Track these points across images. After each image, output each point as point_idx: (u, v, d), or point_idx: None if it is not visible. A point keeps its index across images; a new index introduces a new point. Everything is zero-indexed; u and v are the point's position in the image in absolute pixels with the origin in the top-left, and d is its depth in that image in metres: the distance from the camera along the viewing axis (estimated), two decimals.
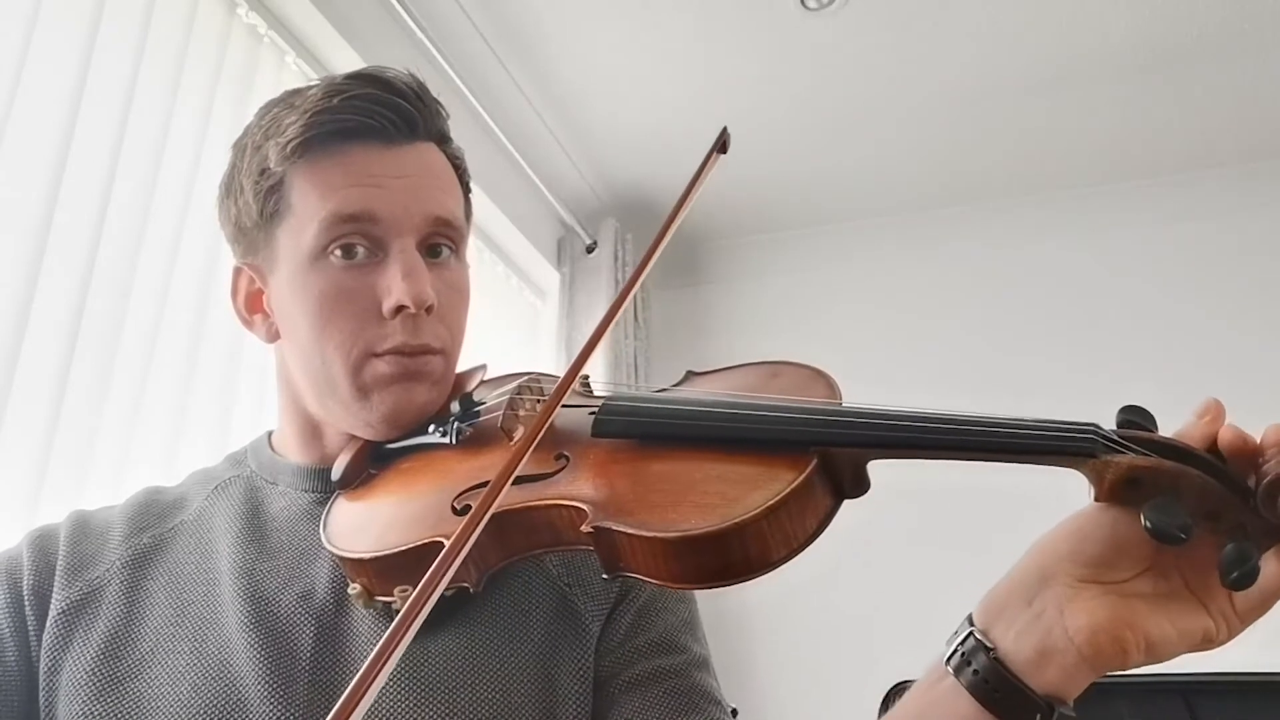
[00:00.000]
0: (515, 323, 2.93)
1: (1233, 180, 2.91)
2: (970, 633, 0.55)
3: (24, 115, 1.35)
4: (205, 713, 0.66)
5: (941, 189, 3.11)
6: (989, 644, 0.54)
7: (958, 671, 0.55)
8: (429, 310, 0.73)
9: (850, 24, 2.38)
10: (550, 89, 2.63)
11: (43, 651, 0.71)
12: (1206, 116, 2.72)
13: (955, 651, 0.56)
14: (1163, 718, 1.29)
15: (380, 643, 0.45)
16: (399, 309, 0.72)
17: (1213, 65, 2.52)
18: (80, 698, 0.68)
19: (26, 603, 0.72)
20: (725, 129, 0.75)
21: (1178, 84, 2.59)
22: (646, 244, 2.85)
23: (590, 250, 3.07)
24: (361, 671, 0.44)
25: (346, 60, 2.08)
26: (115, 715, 0.67)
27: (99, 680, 0.69)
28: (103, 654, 0.70)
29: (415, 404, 0.75)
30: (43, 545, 0.76)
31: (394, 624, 0.46)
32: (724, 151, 0.75)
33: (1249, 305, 2.77)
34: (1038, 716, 0.52)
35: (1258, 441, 0.50)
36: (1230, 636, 0.52)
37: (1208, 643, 0.52)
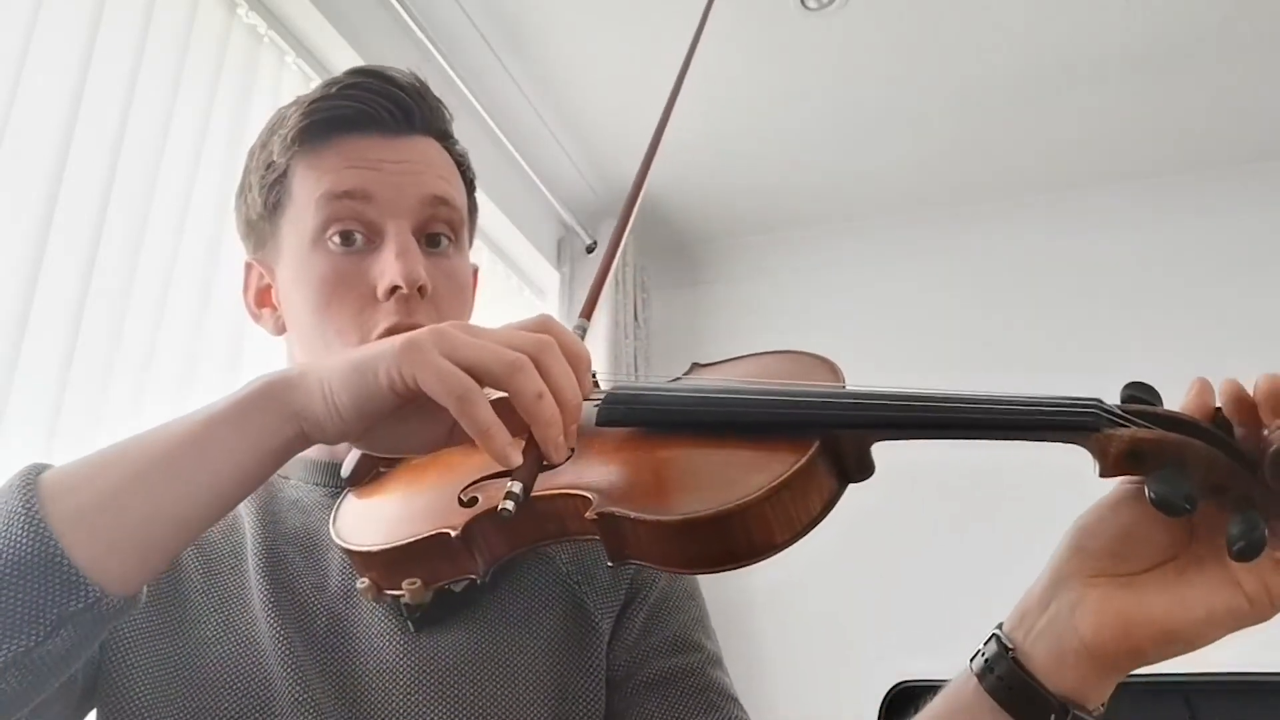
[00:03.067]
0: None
1: (1237, 179, 2.91)
2: (994, 635, 0.57)
3: (24, 115, 1.35)
4: (236, 681, 0.68)
5: (942, 188, 3.11)
6: (1009, 644, 0.55)
7: (981, 675, 0.56)
8: (422, 292, 0.74)
9: (850, 24, 2.39)
10: (550, 89, 2.63)
11: None
12: (1207, 116, 2.72)
13: (979, 654, 0.57)
14: (1163, 718, 1.29)
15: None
16: (393, 289, 0.73)
17: (1214, 65, 2.52)
18: (142, 639, 0.69)
19: None
20: None
21: (1178, 84, 2.59)
22: (647, 244, 2.86)
23: (590, 250, 3.08)
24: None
25: (346, 60, 2.08)
26: (161, 660, 0.68)
27: (153, 626, 0.70)
28: (151, 599, 0.70)
29: None
30: None
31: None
32: None
33: (1251, 305, 2.77)
34: (1051, 717, 0.53)
35: (1251, 393, 0.49)
36: (1274, 607, 0.50)
37: (1240, 620, 0.50)
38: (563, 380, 0.52)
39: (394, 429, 0.55)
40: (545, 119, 2.74)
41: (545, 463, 0.53)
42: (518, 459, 0.51)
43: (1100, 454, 0.51)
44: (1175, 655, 0.51)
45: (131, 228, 1.53)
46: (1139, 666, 0.52)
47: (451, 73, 2.30)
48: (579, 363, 0.55)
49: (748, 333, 3.30)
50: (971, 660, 0.57)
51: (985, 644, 0.57)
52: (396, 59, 2.17)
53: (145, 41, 1.59)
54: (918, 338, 3.05)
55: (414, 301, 0.73)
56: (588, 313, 0.68)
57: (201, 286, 1.65)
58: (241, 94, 1.82)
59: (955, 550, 2.76)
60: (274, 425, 0.54)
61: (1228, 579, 0.50)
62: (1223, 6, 2.32)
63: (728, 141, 2.81)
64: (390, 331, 0.73)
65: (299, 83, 2.02)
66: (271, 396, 0.54)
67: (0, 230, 1.32)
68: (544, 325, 0.55)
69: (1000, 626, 0.57)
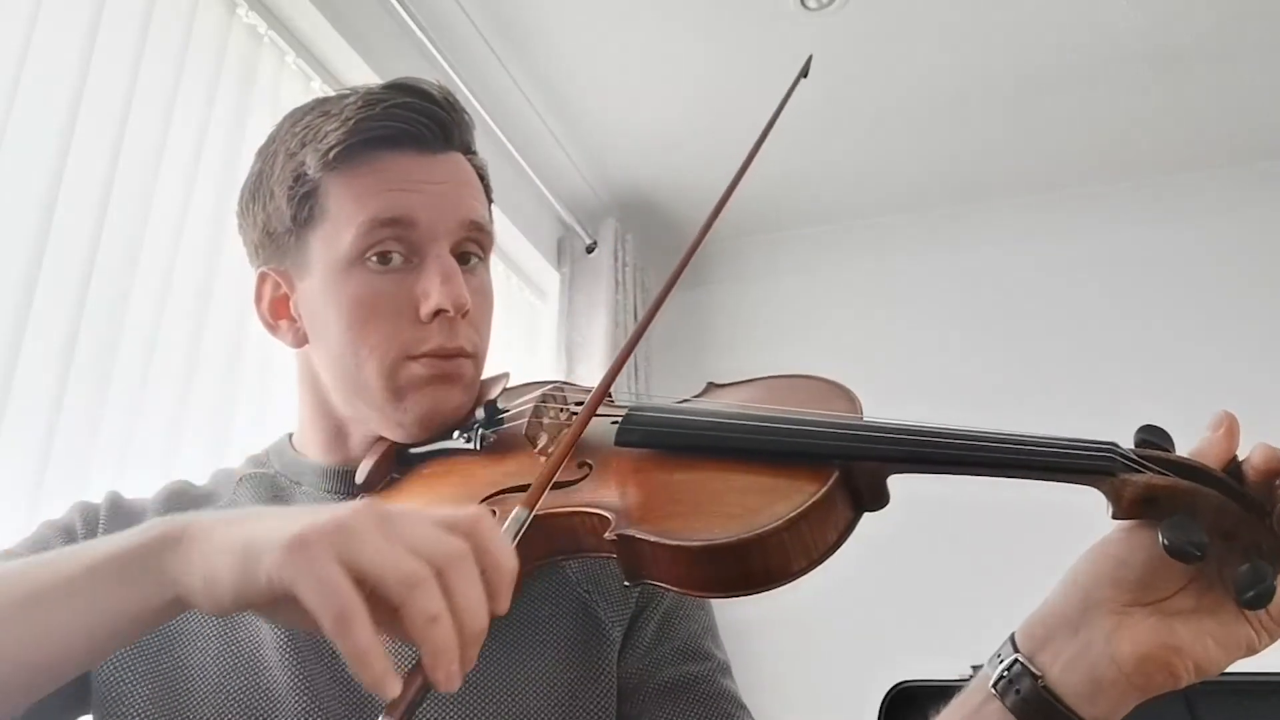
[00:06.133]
0: (515, 323, 2.93)
1: (1239, 180, 2.91)
2: (1016, 659, 0.56)
3: (24, 115, 1.35)
4: (234, 698, 0.68)
5: (943, 189, 3.11)
6: (1036, 671, 0.55)
7: (1003, 694, 0.56)
8: (464, 315, 0.75)
9: (850, 24, 2.38)
10: (550, 89, 2.63)
11: None
12: (1208, 116, 2.72)
13: (1002, 677, 0.56)
14: (1162, 718, 1.29)
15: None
16: (438, 312, 0.73)
17: (1217, 65, 2.52)
18: (137, 656, 0.69)
19: None
20: (810, 56, 0.78)
21: (1179, 84, 2.59)
22: (647, 244, 2.85)
23: (590, 250, 3.07)
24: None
25: (346, 60, 2.08)
26: (156, 675, 0.69)
27: (147, 642, 0.70)
28: None
29: (449, 406, 0.76)
30: (88, 513, 0.78)
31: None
32: (806, 76, 0.78)
33: (1254, 306, 2.77)
34: None
35: None
36: (1271, 642, 0.53)
37: (1250, 651, 0.53)
38: (468, 602, 0.46)
39: (274, 612, 0.49)
40: (545, 119, 2.74)
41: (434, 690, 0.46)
42: (394, 690, 0.44)
43: (1115, 498, 0.52)
44: (1198, 680, 0.53)
45: (131, 228, 1.52)
46: (1174, 689, 0.53)
47: (451, 72, 2.30)
48: (499, 577, 0.48)
49: (750, 333, 3.30)
50: (995, 684, 0.56)
51: (1007, 666, 0.56)
52: (397, 59, 2.18)
53: (145, 41, 1.59)
54: (919, 337, 3.05)
55: (456, 323, 0.75)
56: (532, 501, 0.56)
57: (201, 286, 1.65)
58: (241, 94, 1.82)
59: (954, 555, 2.76)
60: (150, 590, 0.50)
61: (1238, 612, 0.52)
62: (1223, 6, 2.32)
63: (728, 141, 2.81)
64: (435, 353, 0.74)
65: (299, 83, 2.02)
66: (154, 557, 0.50)
67: (0, 230, 1.32)
68: (471, 527, 0.48)
69: (1014, 640, 0.57)
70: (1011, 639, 0.57)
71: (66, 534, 0.76)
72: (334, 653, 0.70)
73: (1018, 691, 0.55)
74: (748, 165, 0.75)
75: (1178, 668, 0.52)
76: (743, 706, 0.77)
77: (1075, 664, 0.54)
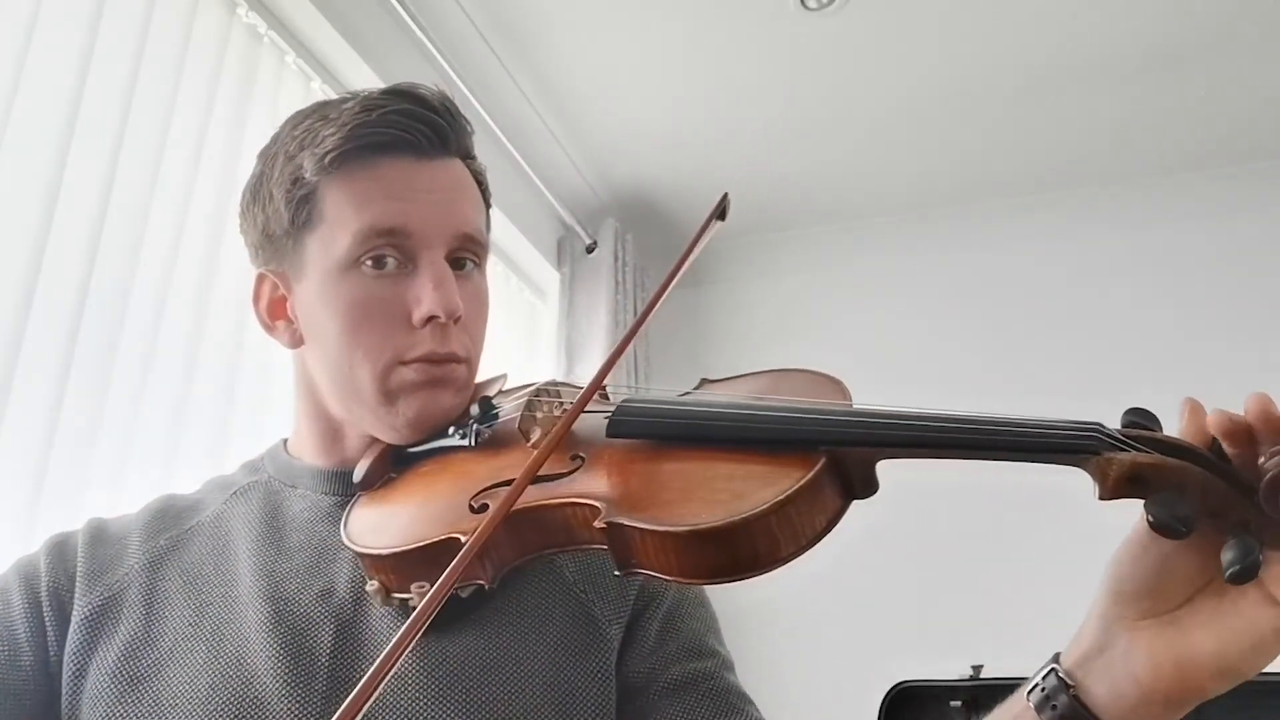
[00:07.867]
0: (515, 323, 2.93)
1: (1238, 180, 2.91)
2: (1053, 669, 0.56)
3: (24, 115, 1.35)
4: (223, 710, 0.68)
5: (942, 189, 3.12)
6: (1070, 682, 0.55)
7: (1039, 708, 0.55)
8: (456, 320, 0.76)
9: (850, 24, 2.39)
10: (550, 89, 2.63)
11: (65, 658, 0.72)
12: (1207, 116, 2.72)
13: (1037, 687, 0.56)
14: None
15: (399, 632, 0.47)
16: (429, 318, 0.74)
17: (1215, 65, 2.52)
18: (104, 701, 0.69)
19: (45, 605, 0.74)
20: (726, 195, 0.77)
21: (1178, 85, 2.60)
22: (647, 244, 2.85)
23: (590, 250, 3.07)
24: (378, 661, 0.46)
25: (346, 60, 2.08)
26: (136, 716, 0.69)
27: (120, 682, 0.70)
28: (124, 656, 0.71)
29: (440, 409, 0.77)
30: (61, 551, 0.77)
31: (411, 618, 0.48)
32: (723, 219, 0.78)
33: (1254, 305, 2.77)
34: None
35: (1244, 418, 0.50)
36: None
37: None
38: None
39: None
40: (545, 119, 2.74)
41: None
42: None
43: (1100, 477, 0.52)
44: (1235, 684, 0.51)
45: (131, 228, 1.53)
46: (1203, 700, 0.52)
47: (451, 73, 2.30)
48: None
49: (749, 333, 3.31)
50: (1029, 693, 0.56)
51: (1044, 677, 0.56)
52: (397, 59, 2.18)
53: (145, 41, 1.59)
54: (918, 337, 3.05)
55: (448, 329, 0.75)
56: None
57: (201, 287, 1.65)
58: (241, 94, 1.82)
59: (954, 555, 2.76)
60: None
61: (1266, 602, 0.50)
62: (1221, 7, 2.33)
63: (727, 141, 2.81)
64: (427, 358, 0.75)
65: (299, 83, 2.02)
66: None
67: (0, 230, 1.32)
68: None
69: (1057, 659, 0.57)
70: (1056, 655, 0.57)
71: (28, 585, 0.74)
72: (332, 653, 0.70)
73: (1051, 702, 0.55)
74: (672, 277, 0.75)
75: (1198, 679, 0.51)
76: (749, 701, 0.78)
77: (1101, 679, 0.54)
